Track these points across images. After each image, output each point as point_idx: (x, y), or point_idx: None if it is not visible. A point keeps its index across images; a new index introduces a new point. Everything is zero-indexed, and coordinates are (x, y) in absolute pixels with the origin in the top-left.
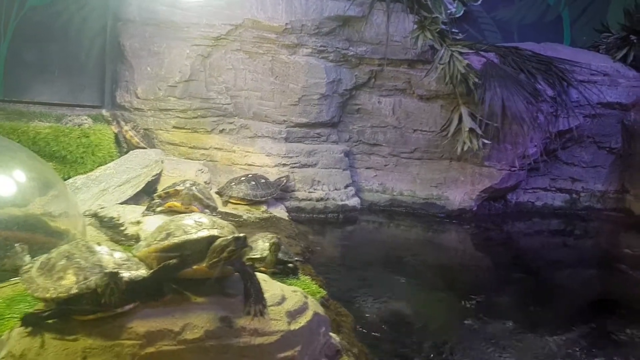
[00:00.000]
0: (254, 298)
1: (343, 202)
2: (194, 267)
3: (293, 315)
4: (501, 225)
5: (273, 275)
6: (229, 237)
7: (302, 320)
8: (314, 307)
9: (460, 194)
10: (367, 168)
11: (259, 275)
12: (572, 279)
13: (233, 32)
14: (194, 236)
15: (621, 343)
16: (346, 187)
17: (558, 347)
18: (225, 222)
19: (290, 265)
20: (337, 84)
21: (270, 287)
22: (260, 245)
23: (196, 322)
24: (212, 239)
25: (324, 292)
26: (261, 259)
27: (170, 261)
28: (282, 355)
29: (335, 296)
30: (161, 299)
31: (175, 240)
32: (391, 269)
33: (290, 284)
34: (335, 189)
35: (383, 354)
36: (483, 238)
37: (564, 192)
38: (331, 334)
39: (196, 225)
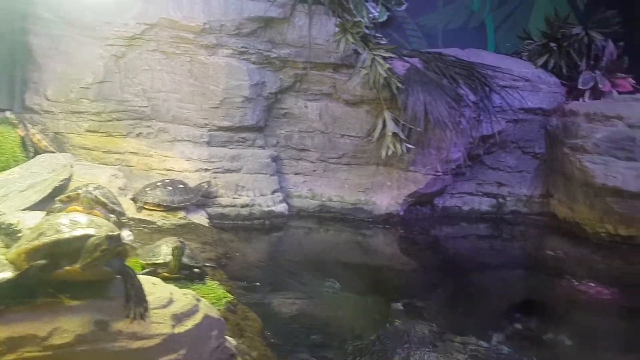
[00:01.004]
0: (134, 300)
1: (269, 208)
2: (67, 268)
3: (180, 318)
4: (428, 229)
5: (177, 280)
6: (101, 236)
7: (189, 323)
8: (206, 310)
9: (386, 199)
10: (295, 174)
11: (148, 279)
12: (498, 281)
13: (148, 31)
14: (66, 235)
15: (544, 344)
16: (273, 192)
17: (484, 349)
18: (106, 221)
19: (196, 270)
20: (261, 87)
21: (159, 290)
22: (164, 250)
23: (66, 326)
24: (86, 238)
25: (230, 297)
26: (164, 264)
27: (38, 262)
28: (164, 358)
29: (249, 301)
30: (31, 303)
31: (46, 240)
32: (317, 274)
33: (194, 289)
34: (262, 195)
35: (292, 357)
36: (410, 242)
37: (491, 196)
38: (228, 337)
39: (71, 224)
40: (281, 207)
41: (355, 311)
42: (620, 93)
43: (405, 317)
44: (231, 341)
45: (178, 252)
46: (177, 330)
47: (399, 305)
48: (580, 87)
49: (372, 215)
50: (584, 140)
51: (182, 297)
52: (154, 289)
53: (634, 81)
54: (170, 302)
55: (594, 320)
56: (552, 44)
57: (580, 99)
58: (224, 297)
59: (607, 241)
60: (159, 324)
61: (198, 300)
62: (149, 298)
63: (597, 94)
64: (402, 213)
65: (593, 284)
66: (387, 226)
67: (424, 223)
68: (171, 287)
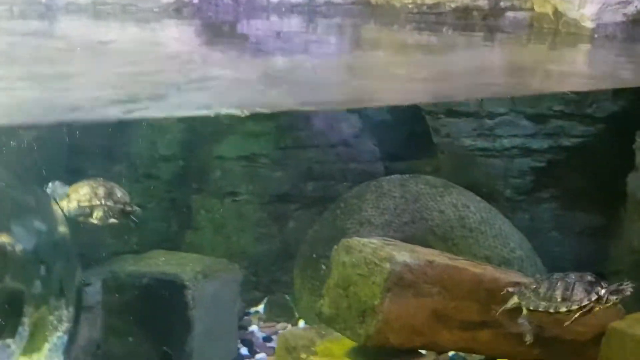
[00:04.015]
0: None
1: None
2: None
3: None
4: (233, 23)
5: None
6: None
7: None
8: None
9: None
10: None
11: None
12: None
13: None
14: None
15: None
16: None
17: None
18: None
19: None
20: None
21: None
22: None
23: None
24: None
25: None
26: None
27: None
28: None
29: None
30: None
31: None
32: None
33: None
34: None
35: None
36: (213, 36)
37: None
38: None
39: None
40: None
41: None
42: None
43: None
44: None
45: None
46: None
47: None
48: None
49: (159, 4)
50: None
51: None
52: None
53: None
54: None
55: None
56: None
57: None
58: None
59: (415, 13)
60: None
61: None
62: None
63: None
64: (196, 1)
65: None
66: (180, 18)
67: (225, 16)
68: None
